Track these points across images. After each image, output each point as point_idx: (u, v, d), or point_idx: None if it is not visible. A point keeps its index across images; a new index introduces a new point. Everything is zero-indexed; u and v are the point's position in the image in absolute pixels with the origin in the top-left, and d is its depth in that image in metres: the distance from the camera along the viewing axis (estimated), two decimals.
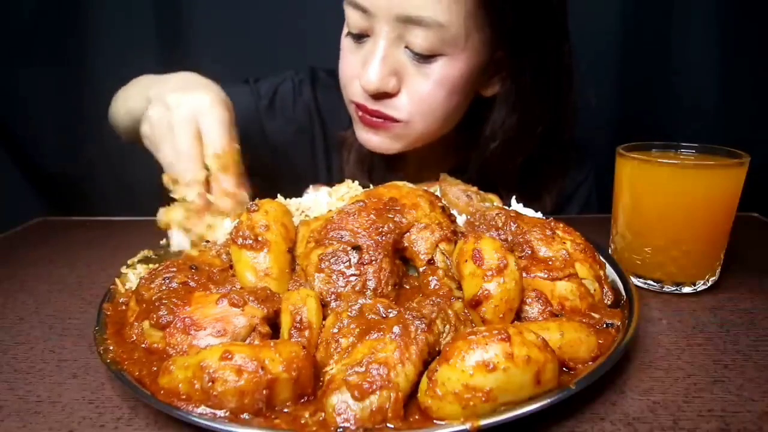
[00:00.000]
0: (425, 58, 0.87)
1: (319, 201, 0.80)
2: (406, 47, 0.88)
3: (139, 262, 0.76)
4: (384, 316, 0.51)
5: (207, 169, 0.77)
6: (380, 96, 0.90)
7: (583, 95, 1.05)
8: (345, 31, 0.95)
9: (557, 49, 0.97)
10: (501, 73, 0.96)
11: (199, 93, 0.78)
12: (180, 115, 0.76)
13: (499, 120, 0.99)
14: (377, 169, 1.10)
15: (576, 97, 1.03)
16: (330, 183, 0.87)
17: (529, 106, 0.97)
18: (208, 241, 0.75)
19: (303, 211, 0.79)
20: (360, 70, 0.90)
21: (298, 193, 0.85)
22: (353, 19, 0.89)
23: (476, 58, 0.90)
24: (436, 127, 0.96)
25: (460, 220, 0.73)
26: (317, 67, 1.19)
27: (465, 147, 1.05)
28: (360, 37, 0.91)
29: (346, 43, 0.95)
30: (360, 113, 0.95)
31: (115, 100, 1.07)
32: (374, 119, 0.93)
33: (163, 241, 0.80)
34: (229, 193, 0.77)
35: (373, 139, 0.97)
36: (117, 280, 0.69)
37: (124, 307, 0.63)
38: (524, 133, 1.00)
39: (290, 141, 1.14)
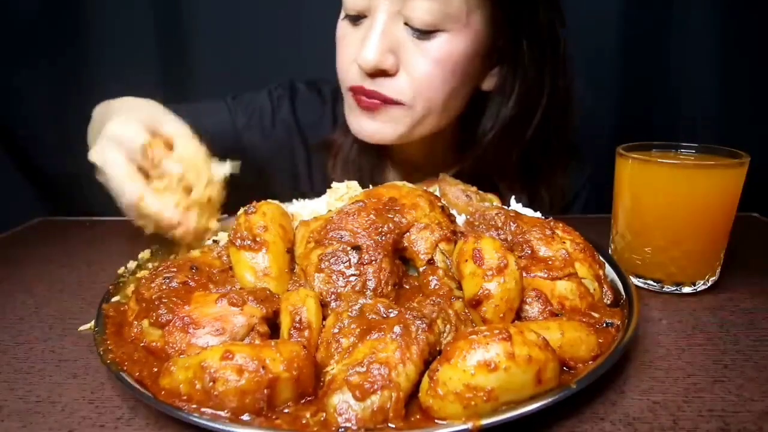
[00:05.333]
0: (425, 33, 0.86)
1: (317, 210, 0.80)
2: (406, 24, 0.87)
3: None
4: (385, 316, 0.51)
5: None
6: (378, 74, 0.89)
7: (579, 91, 1.04)
8: (342, 15, 0.94)
9: (555, 36, 0.96)
10: (501, 64, 0.95)
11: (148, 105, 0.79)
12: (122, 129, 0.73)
13: (495, 110, 0.98)
14: (365, 171, 1.08)
15: (573, 90, 1.03)
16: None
17: (526, 95, 0.96)
18: (216, 241, 0.75)
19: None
20: (357, 50, 0.89)
21: None
22: None
23: (477, 39, 0.89)
24: (437, 113, 0.93)
25: (460, 220, 0.73)
26: (296, 80, 1.18)
27: (459, 150, 1.04)
28: (357, 18, 0.90)
29: (342, 27, 0.94)
30: (357, 97, 0.93)
31: (95, 121, 1.02)
32: (372, 101, 0.91)
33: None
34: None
35: (368, 127, 0.95)
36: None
37: (124, 308, 0.63)
38: (520, 123, 0.98)
39: (270, 157, 1.13)
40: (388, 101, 0.91)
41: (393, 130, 0.95)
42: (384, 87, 0.90)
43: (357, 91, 0.93)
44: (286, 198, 0.86)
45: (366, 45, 0.87)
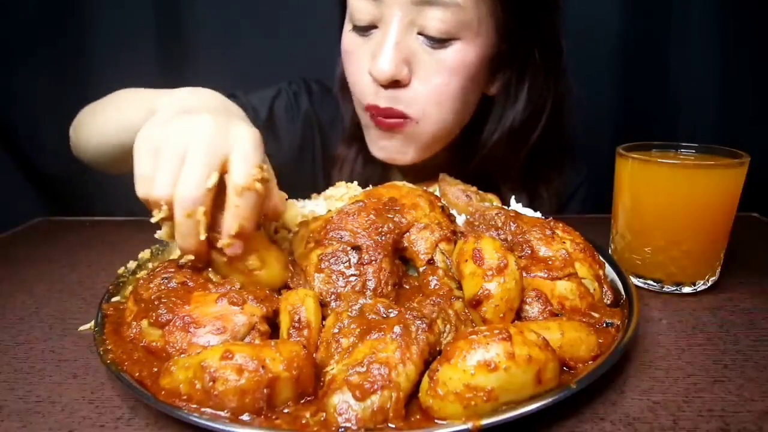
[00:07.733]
0: (439, 42, 0.85)
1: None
2: (419, 33, 0.86)
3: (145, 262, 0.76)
4: (385, 316, 0.51)
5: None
6: (391, 86, 0.88)
7: (575, 92, 1.05)
8: (347, 27, 0.93)
9: (558, 42, 0.97)
10: (504, 69, 0.95)
11: (244, 126, 0.59)
12: (212, 143, 0.55)
13: (499, 113, 0.98)
14: (372, 182, 1.07)
15: (569, 91, 1.03)
16: None
17: (535, 99, 0.97)
18: None
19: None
20: (370, 63, 0.88)
21: None
22: (362, 8, 0.87)
23: (488, 45, 0.89)
24: (449, 123, 0.93)
25: (460, 220, 0.73)
26: (309, 78, 1.16)
27: (463, 153, 1.04)
28: (367, 29, 0.89)
29: (349, 40, 0.93)
30: (375, 118, 0.92)
31: (84, 121, 0.96)
32: (389, 120, 0.91)
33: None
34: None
35: (388, 148, 0.95)
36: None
37: (124, 307, 0.63)
38: (528, 126, 0.99)
39: (292, 158, 1.11)
40: (402, 116, 0.90)
41: (408, 148, 0.95)
42: (397, 101, 0.89)
43: (372, 110, 0.91)
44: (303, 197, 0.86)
45: (380, 55, 0.85)
